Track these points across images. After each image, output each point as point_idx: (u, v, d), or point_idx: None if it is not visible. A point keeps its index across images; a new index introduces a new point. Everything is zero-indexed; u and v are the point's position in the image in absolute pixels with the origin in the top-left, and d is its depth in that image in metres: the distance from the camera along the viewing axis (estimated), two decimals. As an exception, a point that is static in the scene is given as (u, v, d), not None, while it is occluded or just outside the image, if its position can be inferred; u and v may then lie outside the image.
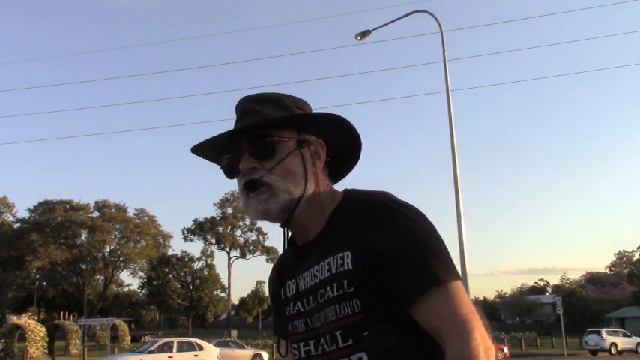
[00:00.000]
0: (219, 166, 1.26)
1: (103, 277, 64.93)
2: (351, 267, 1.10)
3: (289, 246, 1.30)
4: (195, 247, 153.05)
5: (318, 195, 1.21)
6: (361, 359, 1.09)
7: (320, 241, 1.19)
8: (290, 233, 1.29)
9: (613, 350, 32.30)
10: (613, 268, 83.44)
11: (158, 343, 20.98)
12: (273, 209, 1.17)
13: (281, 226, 1.25)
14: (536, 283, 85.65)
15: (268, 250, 68.27)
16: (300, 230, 1.24)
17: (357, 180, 1.38)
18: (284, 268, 1.31)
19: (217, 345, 24.11)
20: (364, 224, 1.12)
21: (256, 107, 1.21)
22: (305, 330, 1.20)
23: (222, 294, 69.35)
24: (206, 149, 1.25)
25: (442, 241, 1.12)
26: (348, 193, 1.23)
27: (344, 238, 1.14)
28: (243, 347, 28.71)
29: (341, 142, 1.29)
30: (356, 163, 1.36)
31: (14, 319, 33.40)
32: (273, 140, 1.18)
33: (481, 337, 1.01)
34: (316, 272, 1.17)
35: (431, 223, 1.14)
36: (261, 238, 68.68)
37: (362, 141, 1.30)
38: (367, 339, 1.09)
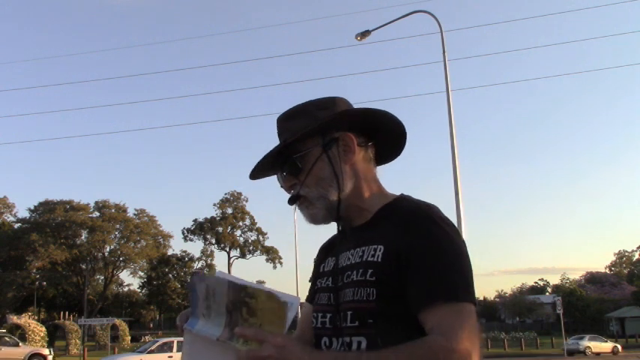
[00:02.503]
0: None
1: (103, 277, 64.95)
2: (379, 260, 1.20)
3: (342, 229, 1.41)
4: (195, 247, 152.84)
5: (358, 186, 1.33)
6: (360, 343, 1.19)
7: (363, 229, 1.31)
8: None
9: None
10: (613, 268, 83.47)
11: (158, 343, 20.99)
12: (316, 214, 1.31)
13: (334, 221, 1.36)
14: (536, 283, 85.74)
15: (268, 250, 68.34)
16: (348, 218, 1.36)
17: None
18: (331, 246, 1.44)
19: None
20: (403, 226, 1.21)
21: (285, 125, 1.36)
22: (327, 304, 1.31)
23: (222, 294, 69.29)
24: (261, 173, 1.42)
25: (469, 264, 1.20)
26: (401, 197, 1.34)
27: (382, 233, 1.24)
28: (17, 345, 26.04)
29: (380, 127, 1.38)
30: (402, 144, 1.43)
31: (14, 319, 33.41)
32: (296, 157, 1.31)
33: (461, 350, 1.03)
34: (350, 256, 1.29)
35: (464, 244, 1.21)
36: (261, 238, 68.79)
37: (401, 123, 1.38)
38: (371, 326, 1.17)
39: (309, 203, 1.31)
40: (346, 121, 1.34)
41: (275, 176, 1.43)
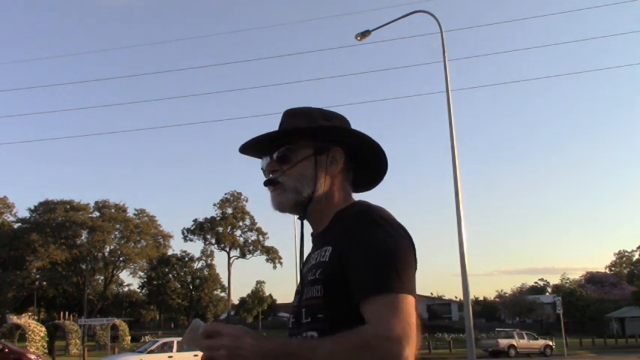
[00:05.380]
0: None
1: (103, 277, 64.92)
2: (327, 260, 1.33)
3: (310, 235, 1.53)
4: (195, 247, 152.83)
5: (330, 195, 1.46)
6: (313, 337, 1.30)
7: (323, 234, 1.44)
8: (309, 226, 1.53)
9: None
10: (613, 268, 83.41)
11: (158, 343, 20.98)
12: (284, 202, 1.44)
13: (299, 218, 1.50)
14: (536, 283, 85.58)
15: (268, 250, 68.32)
16: (314, 223, 1.49)
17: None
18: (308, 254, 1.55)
19: None
20: (347, 227, 1.33)
21: (288, 120, 1.49)
22: (296, 305, 1.43)
23: (222, 294, 69.44)
24: (250, 151, 1.54)
25: (407, 258, 1.27)
26: (356, 202, 1.47)
27: (333, 235, 1.37)
28: None
29: (367, 156, 1.52)
30: (381, 177, 1.58)
31: (14, 319, 33.38)
32: (288, 148, 1.45)
33: (392, 335, 1.10)
34: (311, 259, 1.42)
35: (406, 241, 1.30)
36: (261, 238, 68.78)
37: (387, 159, 1.52)
38: (321, 321, 1.30)
39: (282, 191, 1.44)
40: (344, 138, 1.48)
41: (259, 161, 1.56)
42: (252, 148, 1.52)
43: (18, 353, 25.45)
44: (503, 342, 32.10)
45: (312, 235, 1.52)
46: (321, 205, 1.44)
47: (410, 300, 1.18)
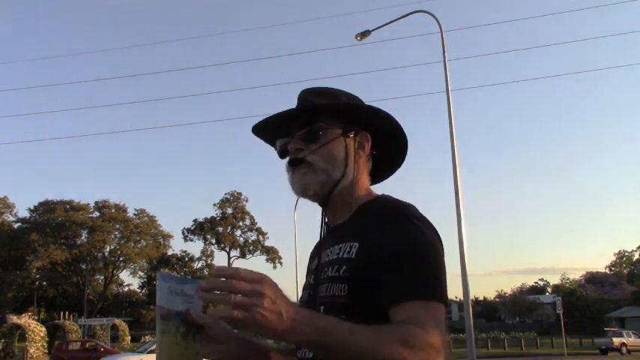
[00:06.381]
0: (275, 148, 1.42)
1: (103, 277, 64.96)
2: (353, 257, 1.21)
3: (326, 225, 1.41)
4: (195, 247, 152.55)
5: (355, 183, 1.33)
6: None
7: (343, 227, 1.32)
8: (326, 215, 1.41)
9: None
10: (613, 268, 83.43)
11: (158, 343, 20.95)
12: (310, 184, 1.30)
13: (320, 205, 1.37)
14: (536, 283, 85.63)
15: (268, 250, 68.33)
16: (333, 213, 1.37)
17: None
18: (319, 245, 1.43)
19: None
20: (379, 223, 1.22)
21: (310, 98, 1.35)
22: (307, 300, 1.33)
23: (222, 294, 69.28)
24: (263, 132, 1.41)
25: (443, 263, 1.20)
26: (381, 196, 1.35)
27: (359, 230, 1.25)
28: None
29: (387, 143, 1.40)
30: (400, 165, 1.48)
31: (14, 319, 33.34)
32: (319, 125, 1.31)
33: (436, 345, 1.03)
34: (329, 253, 1.30)
35: (440, 244, 1.22)
36: (261, 238, 68.75)
37: (408, 144, 1.41)
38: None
39: (311, 170, 1.30)
40: (376, 122, 1.36)
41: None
42: (269, 129, 1.39)
43: (113, 353, 25.43)
44: (617, 340, 34.53)
45: (325, 222, 1.40)
46: (344, 194, 1.32)
47: (443, 309, 1.13)
